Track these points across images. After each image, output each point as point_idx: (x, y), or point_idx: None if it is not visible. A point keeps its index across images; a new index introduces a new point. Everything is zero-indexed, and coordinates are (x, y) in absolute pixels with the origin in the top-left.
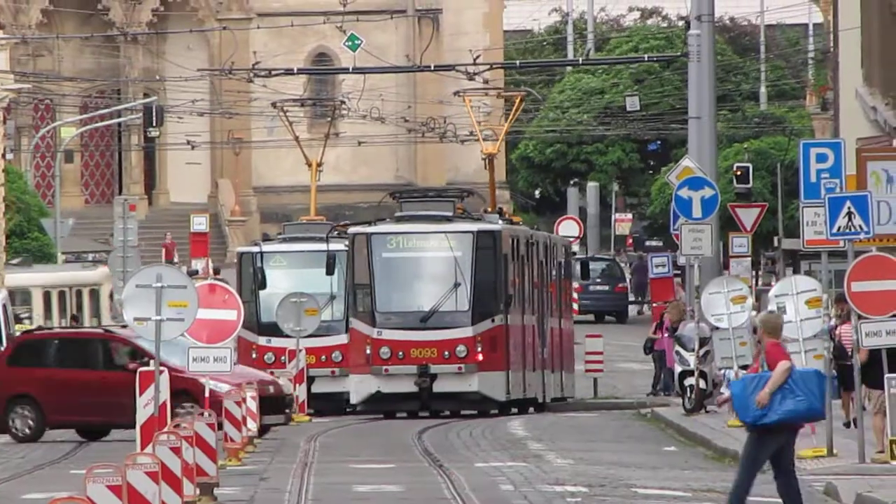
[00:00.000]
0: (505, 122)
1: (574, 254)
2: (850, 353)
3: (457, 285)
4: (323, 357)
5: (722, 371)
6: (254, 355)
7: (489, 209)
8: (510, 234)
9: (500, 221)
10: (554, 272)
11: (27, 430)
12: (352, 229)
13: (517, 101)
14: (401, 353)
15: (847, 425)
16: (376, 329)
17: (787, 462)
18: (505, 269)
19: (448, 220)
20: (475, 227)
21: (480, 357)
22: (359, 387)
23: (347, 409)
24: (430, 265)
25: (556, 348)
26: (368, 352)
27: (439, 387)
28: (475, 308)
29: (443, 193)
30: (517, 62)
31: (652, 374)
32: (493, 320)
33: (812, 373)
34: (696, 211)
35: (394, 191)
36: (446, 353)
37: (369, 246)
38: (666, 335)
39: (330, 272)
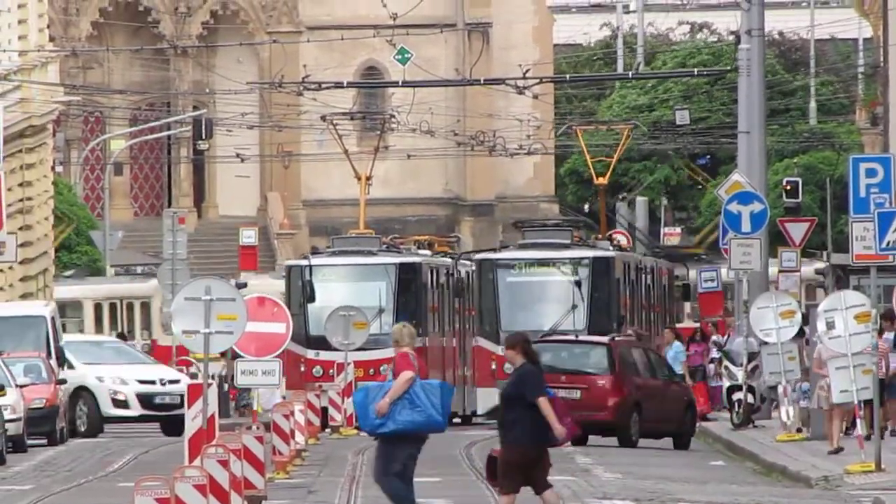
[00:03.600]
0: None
1: (678, 277)
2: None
3: (574, 307)
4: (371, 370)
5: (778, 385)
6: (302, 368)
7: (600, 236)
8: (622, 260)
9: (611, 248)
10: (659, 294)
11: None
12: (478, 255)
13: (625, 132)
14: None
15: (868, 438)
16: (501, 347)
17: (409, 472)
18: (618, 292)
19: (566, 247)
20: (591, 253)
21: None
22: (485, 399)
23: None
24: (550, 288)
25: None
26: (493, 367)
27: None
28: (591, 328)
29: (561, 223)
30: (567, 76)
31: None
32: None
33: (437, 385)
34: (746, 225)
35: (517, 220)
36: None
37: (494, 271)
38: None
39: (458, 295)
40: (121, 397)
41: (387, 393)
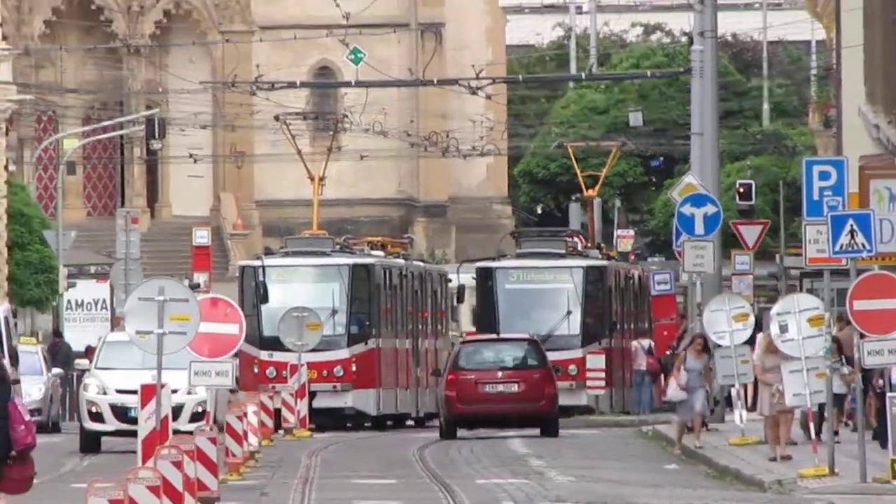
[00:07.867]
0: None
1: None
2: None
3: (569, 313)
4: (324, 372)
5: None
6: (255, 370)
7: (588, 245)
8: (614, 269)
9: (600, 256)
10: (646, 303)
11: None
12: (478, 264)
13: (614, 150)
14: None
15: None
16: None
17: None
18: (610, 300)
19: (561, 256)
20: (585, 262)
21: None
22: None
23: (348, 424)
24: (546, 296)
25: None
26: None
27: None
28: (585, 332)
29: (556, 233)
30: (520, 77)
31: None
32: (599, 343)
33: None
34: (699, 228)
35: (513, 230)
36: (558, 370)
37: (493, 278)
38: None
39: (460, 300)
40: (94, 409)
41: None
